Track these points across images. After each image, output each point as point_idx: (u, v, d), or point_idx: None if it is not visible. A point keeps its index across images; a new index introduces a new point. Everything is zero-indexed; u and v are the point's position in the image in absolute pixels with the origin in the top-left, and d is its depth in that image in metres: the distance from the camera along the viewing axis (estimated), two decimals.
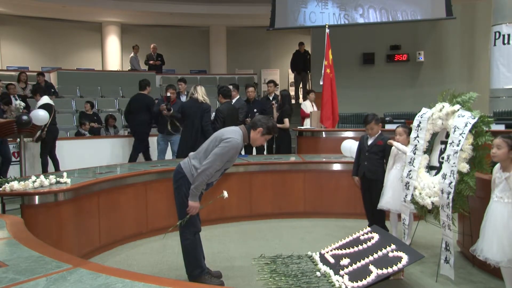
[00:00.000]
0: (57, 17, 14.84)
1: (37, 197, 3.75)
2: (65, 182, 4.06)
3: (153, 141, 7.57)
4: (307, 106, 9.23)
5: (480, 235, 3.17)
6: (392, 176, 4.43)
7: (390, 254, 3.42)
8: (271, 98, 7.58)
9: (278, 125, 7.01)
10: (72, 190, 3.97)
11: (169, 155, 7.45)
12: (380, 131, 4.73)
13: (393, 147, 4.43)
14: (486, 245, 3.07)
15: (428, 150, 3.98)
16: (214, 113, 6.37)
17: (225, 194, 3.63)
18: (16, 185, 3.78)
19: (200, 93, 6.06)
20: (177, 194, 3.51)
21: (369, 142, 4.71)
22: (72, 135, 8.91)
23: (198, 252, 3.60)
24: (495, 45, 8.72)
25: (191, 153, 3.58)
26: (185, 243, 3.55)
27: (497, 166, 3.17)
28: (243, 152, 7.03)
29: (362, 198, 4.83)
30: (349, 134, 7.42)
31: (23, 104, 7.35)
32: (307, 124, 8.65)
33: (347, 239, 4.00)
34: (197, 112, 6.01)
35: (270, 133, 3.54)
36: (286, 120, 7.06)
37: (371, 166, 4.64)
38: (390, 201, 4.37)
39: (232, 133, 3.41)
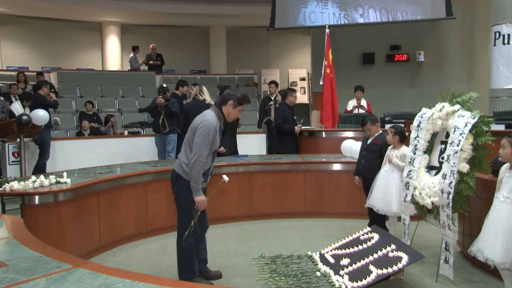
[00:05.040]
0: (57, 17, 14.82)
1: (37, 197, 3.75)
2: (65, 182, 4.06)
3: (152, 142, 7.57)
4: None
5: (480, 235, 3.11)
6: (380, 176, 4.47)
7: (390, 254, 3.43)
8: (272, 98, 7.62)
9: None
10: (72, 190, 3.97)
11: None
12: (380, 131, 4.76)
13: (390, 147, 4.49)
14: (487, 245, 3.00)
15: (428, 150, 3.98)
16: None
17: (225, 178, 3.57)
18: (16, 185, 3.78)
19: (207, 95, 6.13)
20: (177, 195, 3.50)
21: (369, 141, 4.78)
22: (72, 135, 8.91)
23: (193, 256, 3.53)
24: (495, 45, 8.72)
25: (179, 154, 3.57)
26: (182, 246, 3.48)
27: (506, 165, 3.09)
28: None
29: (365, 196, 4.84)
30: (349, 134, 7.40)
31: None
32: None
33: (347, 239, 4.00)
34: None
35: (242, 103, 3.49)
36: None
37: (367, 164, 4.69)
38: (376, 200, 4.41)
39: (204, 117, 3.40)
